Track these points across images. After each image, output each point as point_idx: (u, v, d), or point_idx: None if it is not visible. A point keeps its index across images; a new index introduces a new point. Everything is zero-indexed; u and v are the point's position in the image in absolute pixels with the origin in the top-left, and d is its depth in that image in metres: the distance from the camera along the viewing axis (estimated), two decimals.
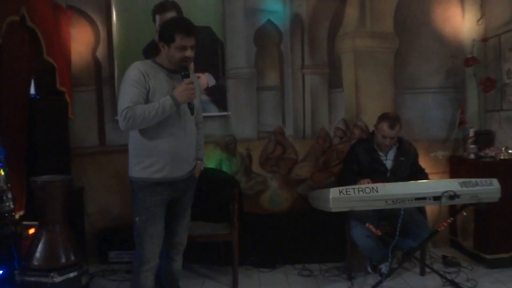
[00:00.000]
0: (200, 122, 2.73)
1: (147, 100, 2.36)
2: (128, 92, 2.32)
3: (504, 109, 3.80)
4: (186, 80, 2.37)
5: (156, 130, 2.38)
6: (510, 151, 3.56)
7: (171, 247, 2.68)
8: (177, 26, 2.36)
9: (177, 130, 2.44)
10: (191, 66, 3.85)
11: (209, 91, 3.93)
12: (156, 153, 2.40)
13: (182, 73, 2.39)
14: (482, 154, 3.69)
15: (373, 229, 2.94)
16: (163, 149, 2.40)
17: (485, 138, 3.89)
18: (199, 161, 2.68)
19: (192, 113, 2.44)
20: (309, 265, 3.65)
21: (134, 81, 2.33)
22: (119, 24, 3.87)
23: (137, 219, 2.46)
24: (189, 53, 2.38)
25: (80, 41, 3.89)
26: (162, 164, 2.41)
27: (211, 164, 3.93)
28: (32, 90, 3.40)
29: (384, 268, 3.16)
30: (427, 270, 3.39)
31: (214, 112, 3.95)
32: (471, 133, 3.84)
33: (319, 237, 3.72)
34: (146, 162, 2.41)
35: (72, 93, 3.78)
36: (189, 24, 2.39)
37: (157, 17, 3.80)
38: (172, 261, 2.71)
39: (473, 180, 2.92)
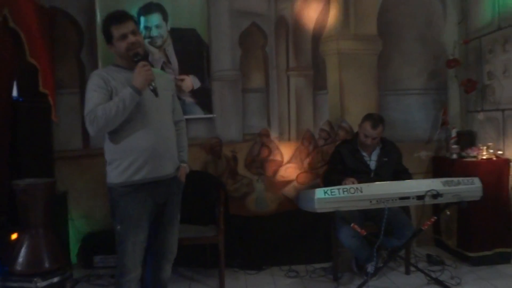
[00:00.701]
0: (180, 121, 2.62)
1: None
2: (89, 98, 2.27)
3: (485, 109, 3.87)
4: (140, 64, 2.26)
5: (127, 128, 2.28)
6: (491, 151, 3.63)
7: (161, 257, 2.56)
8: (108, 21, 2.33)
9: (149, 124, 2.32)
10: (175, 66, 3.87)
11: (194, 93, 3.92)
12: (131, 153, 2.29)
13: (135, 59, 2.29)
14: (464, 154, 3.76)
15: (358, 229, 2.96)
16: (137, 147, 2.29)
17: (467, 138, 3.95)
18: (183, 164, 2.56)
19: (156, 95, 2.27)
20: (295, 266, 3.65)
21: (95, 85, 2.29)
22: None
23: (118, 227, 2.34)
24: (132, 38, 2.30)
25: (64, 43, 3.86)
26: (140, 163, 2.29)
27: (196, 166, 3.92)
28: (15, 92, 3.35)
29: (369, 267, 3.18)
30: (412, 269, 3.43)
31: (199, 114, 3.94)
32: (453, 133, 3.90)
33: (305, 238, 3.73)
34: (123, 164, 2.29)
35: (55, 95, 3.73)
36: (118, 12, 2.35)
37: (142, 19, 3.79)
38: (161, 270, 2.59)
39: (455, 179, 2.96)
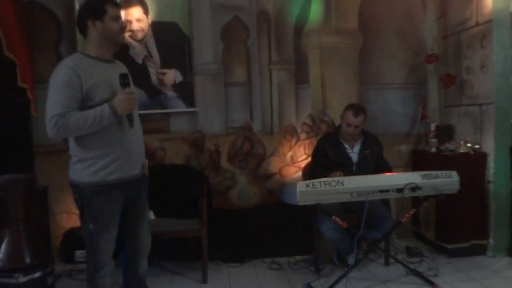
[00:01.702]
0: None
1: (85, 99, 2.16)
2: (57, 96, 2.11)
3: (463, 104, 3.95)
4: (127, 90, 2.20)
5: (103, 130, 2.20)
6: (468, 145, 3.71)
7: (136, 252, 2.56)
8: None
9: (124, 126, 2.27)
10: (157, 60, 3.84)
11: (176, 87, 3.91)
12: (107, 153, 2.24)
13: (122, 81, 2.21)
14: (442, 147, 3.83)
15: (340, 222, 3.01)
16: (113, 148, 2.24)
17: (445, 133, 4.02)
18: (145, 159, 2.55)
19: (131, 126, 2.26)
20: (277, 258, 3.69)
21: (63, 82, 2.11)
22: None
23: (91, 226, 2.27)
24: (123, 23, 2.29)
25: (42, 37, 3.78)
26: (116, 164, 2.26)
27: (179, 160, 3.92)
28: None
29: (350, 259, 3.22)
30: (391, 260, 3.50)
31: (182, 108, 3.93)
32: (433, 127, 3.98)
33: (287, 231, 3.77)
34: (98, 164, 2.23)
35: (34, 89, 3.67)
36: None
37: (122, 12, 3.74)
38: (138, 264, 2.59)
39: (433, 172, 3.03)
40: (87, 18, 2.23)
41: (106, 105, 2.15)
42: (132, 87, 2.33)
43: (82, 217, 2.33)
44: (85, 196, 2.28)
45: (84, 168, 2.26)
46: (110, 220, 2.32)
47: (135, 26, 3.81)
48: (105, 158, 2.25)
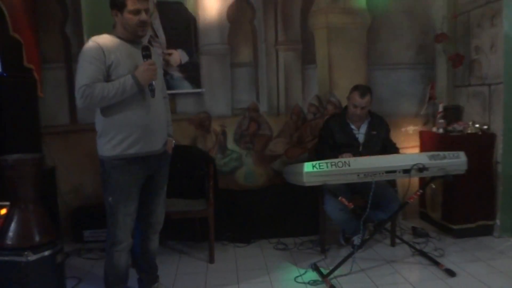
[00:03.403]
0: (165, 97, 2.67)
1: (108, 75, 2.28)
2: (85, 69, 2.24)
3: (472, 84, 3.90)
4: (148, 61, 2.32)
5: (123, 103, 2.31)
6: (477, 125, 3.68)
7: (148, 227, 2.65)
8: None
9: (144, 101, 2.37)
10: (163, 40, 3.82)
11: (182, 68, 3.89)
12: (126, 127, 2.33)
13: (143, 53, 2.33)
14: (450, 128, 3.80)
15: (346, 202, 3.01)
16: (133, 122, 2.34)
17: (453, 113, 3.99)
18: (169, 138, 2.64)
19: (152, 96, 2.36)
20: (284, 239, 3.72)
21: (92, 57, 2.25)
22: None
23: (110, 199, 2.40)
24: (144, 16, 2.30)
25: (48, 17, 3.77)
26: (134, 138, 2.34)
27: (185, 141, 3.92)
28: None
29: (356, 240, 3.25)
30: (397, 241, 3.51)
31: (188, 89, 3.92)
32: (440, 108, 3.94)
33: (293, 211, 3.79)
34: (117, 138, 2.34)
35: (40, 70, 3.68)
36: None
37: None
38: (149, 240, 2.68)
39: (441, 153, 3.01)
40: (111, 7, 2.34)
41: (129, 76, 2.27)
42: (154, 57, 2.42)
43: (104, 190, 2.43)
44: (105, 169, 2.39)
45: (105, 143, 2.37)
46: (128, 194, 2.40)
47: None
48: (125, 132, 2.34)
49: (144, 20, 2.31)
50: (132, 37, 2.37)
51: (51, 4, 3.77)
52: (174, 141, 2.71)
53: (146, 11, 2.32)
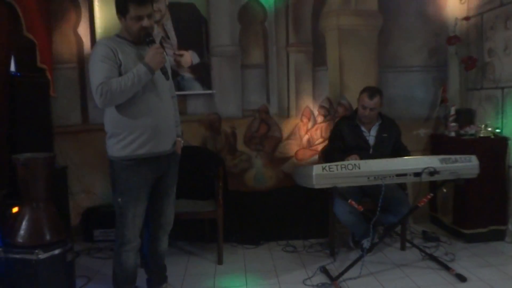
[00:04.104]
0: (173, 97, 2.67)
1: (119, 75, 2.29)
2: (99, 68, 2.26)
3: (485, 87, 3.86)
4: (154, 46, 2.32)
5: (132, 104, 2.32)
6: (489, 129, 3.63)
7: (158, 228, 2.65)
8: None
9: (154, 102, 2.38)
10: (174, 41, 3.84)
11: (193, 69, 3.91)
12: (136, 128, 2.34)
13: (147, 40, 2.34)
14: (462, 132, 3.77)
15: (356, 205, 2.99)
16: (142, 123, 2.35)
17: (465, 116, 3.95)
18: (178, 138, 2.64)
19: (167, 78, 2.39)
20: (293, 241, 3.70)
21: (103, 56, 2.27)
22: (100, 0, 3.80)
23: (119, 200, 2.40)
24: (146, 22, 2.31)
25: (61, 17, 3.81)
26: (143, 138, 2.35)
27: (195, 142, 3.93)
28: (12, 67, 3.33)
29: (365, 243, 3.23)
30: (408, 245, 3.48)
31: (199, 90, 3.94)
32: (452, 111, 3.90)
33: (302, 214, 3.77)
34: (128, 139, 2.34)
35: (53, 70, 3.71)
36: None
37: None
38: (159, 241, 2.68)
39: (452, 157, 2.98)
40: (116, 11, 2.36)
41: (140, 64, 2.28)
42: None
43: (113, 191, 2.45)
44: (115, 170, 2.41)
45: (115, 143, 2.38)
46: (137, 194, 2.41)
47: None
48: (134, 133, 2.35)
49: (146, 26, 2.31)
50: (136, 39, 2.38)
51: (64, 4, 3.81)
52: (182, 142, 2.71)
53: (149, 16, 2.32)
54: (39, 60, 3.41)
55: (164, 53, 2.36)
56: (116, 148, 2.38)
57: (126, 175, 2.39)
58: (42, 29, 3.54)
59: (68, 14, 3.83)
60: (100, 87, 2.22)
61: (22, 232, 2.51)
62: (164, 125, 2.44)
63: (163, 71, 2.36)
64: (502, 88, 3.63)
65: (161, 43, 3.79)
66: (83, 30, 3.84)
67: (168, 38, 3.85)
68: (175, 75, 3.86)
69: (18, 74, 3.37)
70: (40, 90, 3.53)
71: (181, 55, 3.87)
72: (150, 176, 2.46)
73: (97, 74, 2.26)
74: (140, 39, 2.37)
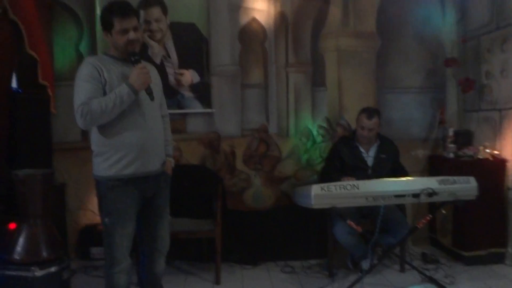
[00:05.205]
0: (165, 116, 2.60)
1: (105, 94, 2.24)
2: (82, 88, 2.21)
3: (483, 109, 3.89)
4: (138, 65, 2.26)
5: (118, 123, 2.26)
6: (487, 150, 3.65)
7: (154, 251, 2.55)
8: (112, 10, 2.25)
9: (140, 120, 2.31)
10: (175, 60, 3.88)
11: (193, 87, 3.93)
12: (122, 147, 2.27)
13: (132, 59, 2.27)
14: (461, 153, 3.77)
15: (354, 226, 2.98)
16: (129, 142, 2.28)
17: (464, 138, 3.96)
18: (169, 158, 2.56)
19: (151, 99, 2.31)
20: (291, 261, 3.68)
21: (87, 75, 2.22)
22: None
23: (106, 220, 2.32)
24: (133, 35, 2.26)
25: (63, 35, 3.85)
26: (130, 158, 2.28)
27: (194, 161, 3.93)
28: (14, 84, 3.35)
29: (364, 264, 3.20)
30: (407, 267, 3.44)
31: (198, 108, 3.95)
32: (451, 132, 3.92)
33: (301, 234, 3.75)
34: (113, 158, 2.28)
35: (54, 87, 3.73)
36: (124, 5, 2.28)
37: (142, 12, 3.79)
38: (155, 263, 2.58)
39: (451, 178, 2.98)
40: (102, 28, 2.33)
41: (123, 85, 2.22)
42: (149, 68, 2.39)
43: (100, 211, 2.38)
44: (101, 190, 2.33)
45: (100, 162, 2.32)
46: (125, 215, 2.33)
47: (154, 26, 3.85)
48: (119, 152, 2.28)
49: (132, 39, 2.27)
50: (124, 56, 2.33)
51: (66, 21, 3.86)
52: (173, 162, 2.62)
53: (135, 29, 2.28)
54: (41, 77, 3.43)
55: (149, 73, 2.30)
56: (102, 167, 2.31)
57: (112, 195, 2.30)
58: (44, 46, 3.58)
59: (70, 32, 3.87)
60: (80, 108, 2.18)
61: (18, 248, 2.51)
62: (151, 144, 2.36)
63: (148, 91, 2.30)
64: (500, 110, 3.66)
65: (162, 62, 3.83)
66: (84, 48, 3.88)
67: (169, 57, 3.89)
68: (175, 94, 3.88)
69: (20, 90, 3.39)
70: (40, 107, 3.55)
71: (182, 74, 3.90)
72: (138, 196, 2.37)
73: (79, 94, 2.22)
74: (128, 54, 2.31)
